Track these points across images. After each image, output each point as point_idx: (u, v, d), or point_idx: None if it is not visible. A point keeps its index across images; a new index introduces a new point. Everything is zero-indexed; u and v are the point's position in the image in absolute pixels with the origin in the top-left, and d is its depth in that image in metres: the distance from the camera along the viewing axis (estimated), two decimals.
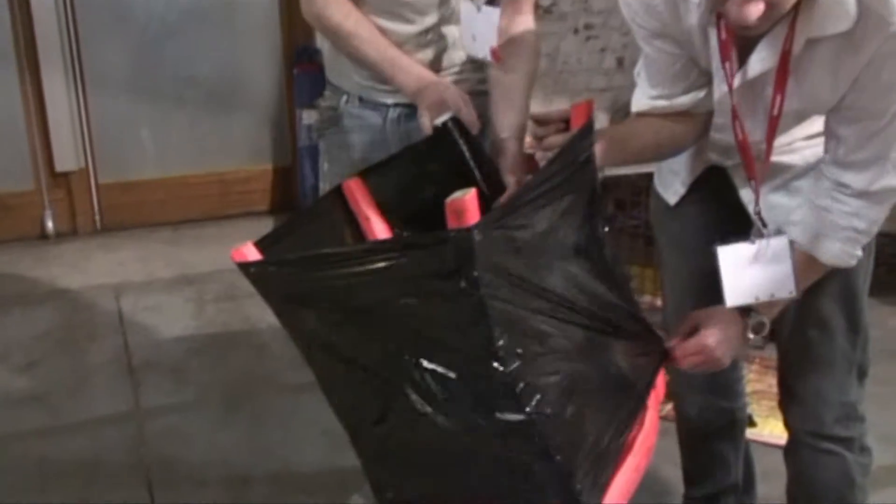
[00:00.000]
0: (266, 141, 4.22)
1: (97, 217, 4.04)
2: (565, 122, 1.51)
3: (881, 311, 3.30)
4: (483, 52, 1.80)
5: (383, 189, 1.65)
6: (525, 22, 1.84)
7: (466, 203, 1.21)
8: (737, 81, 1.51)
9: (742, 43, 1.48)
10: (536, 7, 1.90)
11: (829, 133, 1.55)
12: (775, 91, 1.49)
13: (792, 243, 1.56)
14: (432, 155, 1.66)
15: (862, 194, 1.53)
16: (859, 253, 1.60)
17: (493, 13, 1.78)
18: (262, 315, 3.22)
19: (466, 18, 1.80)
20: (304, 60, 3.94)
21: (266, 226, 3.86)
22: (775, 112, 1.51)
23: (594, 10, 3.63)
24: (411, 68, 1.81)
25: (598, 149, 1.49)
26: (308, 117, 3.84)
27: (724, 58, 1.50)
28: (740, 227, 1.61)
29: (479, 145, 1.68)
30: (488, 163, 1.68)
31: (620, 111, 3.63)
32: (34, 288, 3.58)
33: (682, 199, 1.82)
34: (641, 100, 1.66)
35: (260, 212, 4.20)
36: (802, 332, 1.76)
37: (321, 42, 2.30)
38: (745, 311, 1.61)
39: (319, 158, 2.07)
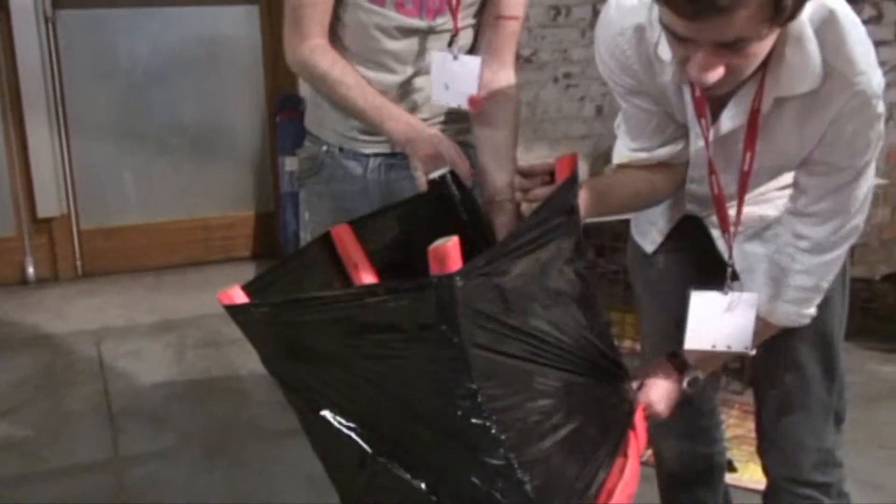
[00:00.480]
0: (249, 187, 4.23)
1: (78, 263, 4.03)
2: (550, 175, 1.52)
3: (859, 355, 3.34)
4: (457, 100, 1.79)
5: (373, 239, 1.65)
6: (507, 77, 1.85)
7: (449, 249, 1.21)
8: (710, 137, 1.54)
9: (714, 99, 1.51)
10: (517, 57, 1.91)
11: (794, 183, 1.58)
12: (745, 148, 1.52)
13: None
14: (424, 206, 1.66)
15: (818, 247, 1.56)
16: (811, 312, 1.63)
17: (472, 62, 1.78)
18: (243, 361, 3.23)
19: (438, 67, 1.79)
20: (287, 108, 3.95)
21: (248, 272, 3.86)
22: (745, 168, 1.53)
23: (573, 59, 3.70)
24: (400, 116, 1.78)
25: (580, 201, 1.51)
26: (290, 164, 3.83)
27: (700, 113, 1.53)
28: (716, 273, 1.62)
29: (472, 197, 1.68)
30: (481, 215, 1.68)
31: (600, 158, 3.67)
32: (14, 334, 3.56)
33: (659, 247, 1.84)
34: (622, 152, 1.69)
35: (242, 258, 4.20)
36: (778, 378, 1.78)
37: (304, 90, 2.29)
38: (683, 365, 1.65)
39: (300, 207, 2.07)
